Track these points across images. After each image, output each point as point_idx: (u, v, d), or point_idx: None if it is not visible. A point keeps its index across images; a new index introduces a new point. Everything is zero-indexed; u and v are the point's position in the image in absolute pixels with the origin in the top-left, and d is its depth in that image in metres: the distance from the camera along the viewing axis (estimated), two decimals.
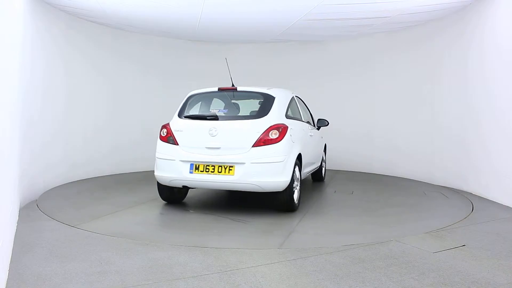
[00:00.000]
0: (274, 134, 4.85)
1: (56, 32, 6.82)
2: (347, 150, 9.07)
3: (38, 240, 3.98)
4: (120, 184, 7.12)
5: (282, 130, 4.91)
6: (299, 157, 5.32)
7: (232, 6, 6.55)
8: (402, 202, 5.94)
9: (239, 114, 5.40)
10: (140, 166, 8.37)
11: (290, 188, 4.96)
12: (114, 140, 8.15)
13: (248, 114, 5.25)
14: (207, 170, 4.90)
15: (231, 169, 4.82)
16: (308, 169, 6.18)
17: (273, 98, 5.26)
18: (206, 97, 5.66)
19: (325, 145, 7.91)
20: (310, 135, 6.27)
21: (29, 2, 5.79)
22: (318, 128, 7.11)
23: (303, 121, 6.11)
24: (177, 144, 5.10)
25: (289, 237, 4.17)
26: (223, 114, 5.26)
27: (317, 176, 7.63)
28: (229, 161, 4.83)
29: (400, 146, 8.26)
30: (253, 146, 4.82)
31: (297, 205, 5.26)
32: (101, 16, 7.21)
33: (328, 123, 7.05)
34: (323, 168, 7.75)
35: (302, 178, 5.82)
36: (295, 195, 5.16)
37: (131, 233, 4.26)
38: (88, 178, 7.57)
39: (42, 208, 5.26)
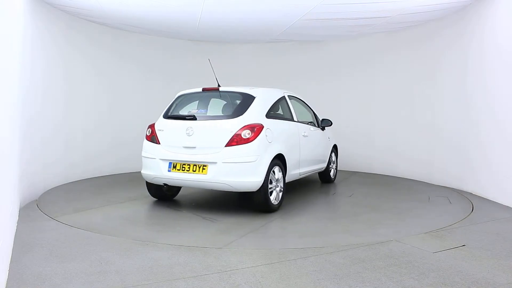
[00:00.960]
0: (247, 134, 4.87)
1: (56, 32, 6.82)
2: (346, 150, 9.07)
3: (38, 240, 3.98)
4: (120, 184, 7.12)
5: (255, 130, 4.91)
6: (281, 157, 5.29)
7: (232, 6, 6.55)
8: (394, 206, 5.91)
9: (215, 114, 5.40)
10: (140, 166, 8.32)
11: (265, 189, 4.94)
12: (114, 140, 8.15)
13: (224, 114, 5.28)
14: (183, 169, 5.03)
15: (204, 168, 4.91)
16: (302, 170, 6.06)
17: (253, 97, 5.29)
18: (192, 98, 5.75)
19: (336, 146, 7.74)
20: (305, 135, 6.12)
21: (29, 2, 5.79)
22: (323, 129, 7.02)
23: (296, 121, 6.00)
24: (159, 143, 5.30)
25: (243, 237, 4.16)
26: (201, 114, 5.37)
27: (325, 178, 7.46)
28: (202, 161, 4.93)
29: (399, 146, 8.26)
30: (226, 145, 4.87)
31: (276, 205, 5.20)
32: (101, 16, 7.21)
33: (332, 123, 7.06)
34: (332, 170, 7.58)
35: (295, 179, 5.92)
36: (273, 196, 5.13)
37: (125, 231, 4.27)
38: (88, 178, 7.57)
39: (42, 208, 5.26)
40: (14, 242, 3.88)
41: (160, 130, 5.37)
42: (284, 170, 5.40)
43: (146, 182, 5.66)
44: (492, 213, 5.29)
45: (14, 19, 4.40)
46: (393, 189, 6.97)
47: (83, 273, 3.19)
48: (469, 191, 6.56)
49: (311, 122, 6.77)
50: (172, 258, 3.53)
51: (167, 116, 5.53)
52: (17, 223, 4.56)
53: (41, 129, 6.27)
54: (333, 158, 7.61)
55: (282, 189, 5.34)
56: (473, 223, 4.77)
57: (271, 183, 5.07)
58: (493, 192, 6.02)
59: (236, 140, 4.85)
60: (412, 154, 7.97)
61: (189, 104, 5.68)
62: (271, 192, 5.11)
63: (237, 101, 5.39)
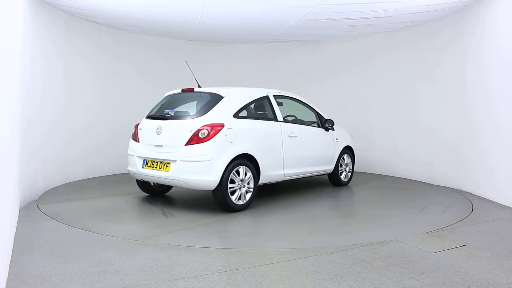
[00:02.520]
0: (204, 133, 4.99)
1: (56, 32, 6.82)
2: None
3: (38, 240, 3.98)
4: (120, 184, 7.12)
5: (213, 130, 5.02)
6: (250, 157, 5.31)
7: (232, 6, 6.55)
8: (395, 206, 5.92)
9: (182, 114, 5.57)
10: None
11: (223, 188, 5.01)
12: (114, 139, 8.13)
13: (189, 114, 5.44)
14: (153, 165, 5.31)
15: (167, 166, 5.13)
16: (289, 171, 5.93)
17: (221, 97, 5.38)
18: (175, 98, 5.96)
19: (350, 147, 7.34)
20: (291, 136, 5.96)
21: (29, 2, 5.79)
22: (327, 129, 6.77)
23: (280, 121, 5.89)
24: (139, 142, 5.63)
25: (172, 233, 4.35)
26: (171, 114, 5.58)
27: (335, 180, 7.12)
28: (166, 158, 5.15)
29: (399, 145, 8.26)
30: (185, 144, 5.02)
31: (240, 205, 5.23)
32: (101, 16, 7.21)
33: (334, 123, 6.87)
34: (344, 172, 7.20)
35: (280, 180, 5.90)
36: (235, 196, 5.17)
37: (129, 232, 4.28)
38: (89, 178, 7.57)
39: (42, 208, 5.26)
40: (14, 242, 3.88)
41: (140, 129, 5.70)
42: (256, 170, 5.41)
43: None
44: (492, 213, 5.28)
45: (14, 19, 4.40)
46: (393, 189, 6.97)
47: (83, 273, 3.19)
48: (469, 191, 6.56)
49: (314, 122, 6.68)
50: (172, 258, 3.53)
51: (147, 115, 5.84)
52: (17, 223, 4.56)
53: (41, 129, 6.27)
54: (346, 160, 7.22)
55: (250, 190, 5.35)
56: (473, 223, 4.77)
57: (233, 182, 5.14)
58: (491, 192, 6.02)
59: (195, 140, 5.00)
60: (412, 154, 7.96)
61: (169, 104, 5.88)
62: (234, 192, 5.16)
63: (206, 101, 5.48)
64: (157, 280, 3.07)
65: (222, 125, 5.09)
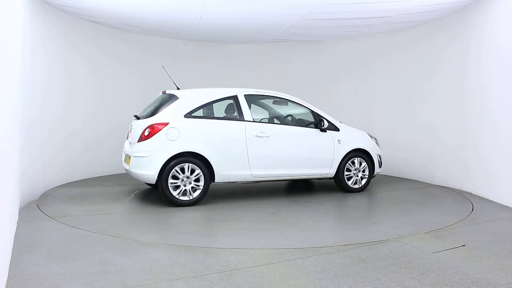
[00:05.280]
0: (146, 132, 5.49)
1: (56, 32, 6.82)
2: None
3: (38, 240, 3.98)
4: (120, 183, 7.12)
5: (154, 128, 5.47)
6: (198, 156, 5.51)
7: (232, 6, 6.55)
8: (394, 206, 5.91)
9: (145, 114, 5.99)
10: None
11: (163, 183, 5.40)
12: (114, 139, 8.12)
13: (148, 114, 5.88)
14: (125, 160, 5.92)
15: (129, 160, 5.73)
16: (259, 172, 5.87)
17: (176, 98, 5.77)
18: (156, 99, 6.33)
19: (364, 150, 6.64)
20: (260, 136, 5.84)
21: (29, 2, 5.79)
22: (324, 130, 6.34)
23: (247, 121, 5.85)
24: (128, 139, 6.18)
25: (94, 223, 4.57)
26: (142, 114, 6.04)
27: (341, 186, 6.53)
28: (128, 154, 5.77)
29: (399, 146, 8.26)
30: (137, 141, 5.58)
31: (186, 201, 5.49)
32: (101, 16, 7.21)
33: (331, 123, 6.56)
34: (355, 178, 6.56)
35: (247, 181, 5.91)
36: (177, 191, 5.47)
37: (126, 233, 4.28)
38: (88, 178, 7.57)
39: (42, 208, 5.26)
40: (14, 242, 3.88)
41: (130, 127, 6.20)
42: (204, 168, 5.56)
43: None
44: (492, 213, 5.29)
45: (14, 19, 4.40)
46: (393, 189, 6.97)
47: (83, 273, 3.19)
48: (469, 191, 6.56)
49: (311, 123, 6.39)
50: (172, 258, 3.53)
51: (134, 115, 6.34)
52: (17, 223, 4.56)
53: (41, 129, 6.27)
54: (357, 164, 6.57)
55: (198, 187, 5.54)
56: (473, 223, 4.77)
57: (176, 178, 5.43)
58: (491, 192, 6.02)
59: (142, 137, 5.53)
60: (412, 154, 7.96)
61: (150, 105, 6.28)
62: (177, 187, 5.47)
63: (164, 102, 5.91)
64: (157, 280, 3.07)
65: (165, 124, 5.48)
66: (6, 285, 2.94)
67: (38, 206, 5.35)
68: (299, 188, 7.09)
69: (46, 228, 4.42)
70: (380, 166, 6.94)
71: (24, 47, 5.40)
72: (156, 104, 6.02)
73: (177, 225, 4.72)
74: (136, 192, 6.45)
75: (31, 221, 4.67)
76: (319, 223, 4.83)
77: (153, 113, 5.75)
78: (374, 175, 6.89)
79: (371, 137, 6.97)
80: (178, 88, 6.14)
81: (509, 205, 5.58)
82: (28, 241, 3.93)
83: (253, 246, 3.88)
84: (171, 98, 5.85)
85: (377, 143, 7.00)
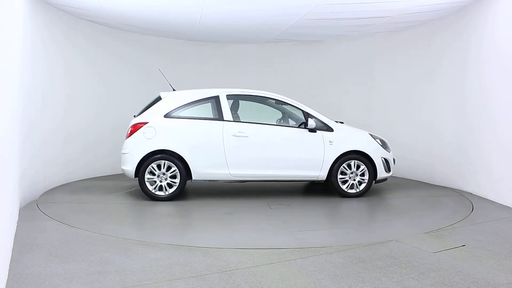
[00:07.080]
0: (129, 131, 5.99)
1: (56, 32, 6.81)
2: None
3: (38, 240, 3.98)
4: (120, 183, 7.12)
5: (135, 127, 5.93)
6: (174, 154, 5.78)
7: (232, 6, 6.55)
8: (395, 206, 5.89)
9: (137, 115, 6.27)
10: None
11: (140, 178, 5.79)
12: (114, 139, 8.11)
13: (138, 114, 6.23)
14: None
15: None
16: (237, 171, 5.87)
17: (160, 99, 6.14)
18: (153, 100, 6.46)
19: (365, 154, 6.19)
20: (238, 136, 5.83)
21: (29, 2, 5.79)
22: (314, 131, 6.02)
23: (225, 121, 5.90)
24: None
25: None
26: (137, 115, 6.28)
27: (335, 190, 6.13)
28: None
29: (399, 145, 8.25)
30: (126, 139, 6.03)
31: (162, 196, 5.78)
32: (101, 16, 7.20)
33: (323, 123, 6.29)
34: (351, 181, 6.12)
35: (227, 180, 5.96)
36: (153, 186, 5.79)
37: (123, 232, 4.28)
38: (89, 178, 7.57)
39: (42, 208, 5.26)
40: (14, 242, 3.88)
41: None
42: (181, 166, 5.80)
43: None
44: (492, 213, 5.29)
45: (14, 19, 4.40)
46: (393, 189, 6.96)
47: (83, 273, 3.19)
48: (469, 191, 6.56)
49: (302, 123, 6.10)
50: (172, 258, 3.53)
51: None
52: (17, 223, 4.56)
53: (41, 130, 6.26)
54: (354, 167, 6.13)
55: (173, 183, 5.79)
56: (473, 223, 4.77)
57: (153, 174, 5.77)
58: (491, 192, 6.02)
59: (127, 136, 6.02)
60: (412, 154, 7.95)
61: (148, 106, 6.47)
62: (154, 182, 5.79)
63: (151, 102, 6.24)
64: (157, 280, 3.07)
65: (143, 123, 5.89)
66: (6, 285, 2.94)
67: (38, 206, 5.35)
68: (289, 191, 7.08)
69: (46, 228, 4.42)
70: (388, 170, 6.37)
71: (24, 47, 5.39)
72: (147, 105, 6.28)
73: (177, 224, 4.71)
74: (133, 189, 6.45)
75: (31, 221, 4.67)
76: (313, 224, 4.83)
77: (139, 113, 6.16)
78: (385, 179, 6.43)
79: (375, 138, 6.45)
80: (174, 90, 6.34)
81: (509, 205, 5.58)
82: (28, 241, 3.93)
83: (253, 246, 3.88)
84: (156, 99, 6.19)
85: (383, 145, 6.46)
